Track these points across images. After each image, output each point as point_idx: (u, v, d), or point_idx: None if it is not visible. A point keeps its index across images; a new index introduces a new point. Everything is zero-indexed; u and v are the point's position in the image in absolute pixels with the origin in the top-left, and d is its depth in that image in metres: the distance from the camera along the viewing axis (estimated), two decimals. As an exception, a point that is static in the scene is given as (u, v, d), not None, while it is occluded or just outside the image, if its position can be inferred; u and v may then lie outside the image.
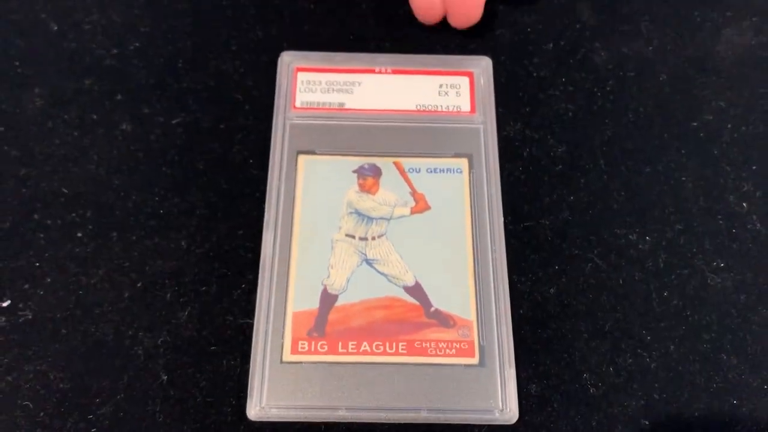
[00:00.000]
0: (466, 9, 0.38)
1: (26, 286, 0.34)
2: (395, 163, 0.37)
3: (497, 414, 0.31)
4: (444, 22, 0.41)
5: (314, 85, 0.39)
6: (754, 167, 0.38)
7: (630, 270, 0.35)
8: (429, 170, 0.36)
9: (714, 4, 0.44)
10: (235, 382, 0.32)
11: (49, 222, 0.36)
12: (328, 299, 0.33)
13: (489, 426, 0.31)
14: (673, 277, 0.35)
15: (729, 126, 0.40)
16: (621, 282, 0.35)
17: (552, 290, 0.35)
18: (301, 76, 0.39)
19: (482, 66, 0.40)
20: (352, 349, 0.32)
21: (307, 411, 0.31)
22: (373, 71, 0.39)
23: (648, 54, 0.42)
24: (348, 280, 0.34)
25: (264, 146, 0.37)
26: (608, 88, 0.40)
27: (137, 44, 0.41)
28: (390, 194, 0.36)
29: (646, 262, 0.35)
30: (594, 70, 0.41)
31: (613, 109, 0.40)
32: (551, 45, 0.42)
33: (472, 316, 0.33)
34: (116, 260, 0.35)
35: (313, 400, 0.31)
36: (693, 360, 0.33)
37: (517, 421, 0.31)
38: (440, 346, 0.32)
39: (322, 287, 0.33)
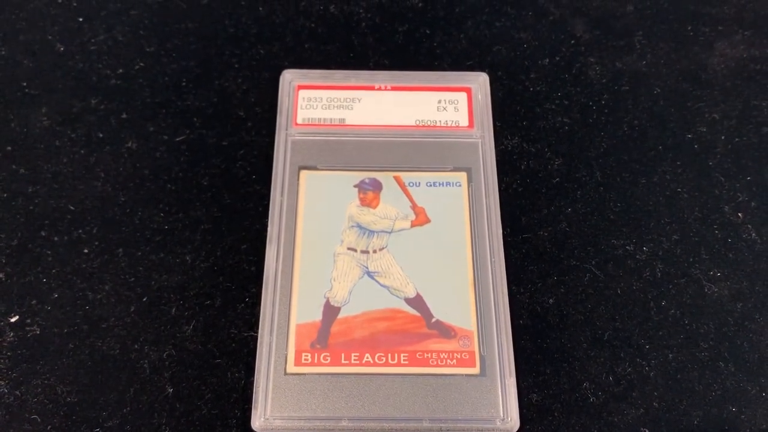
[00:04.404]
0: None
1: (34, 301, 0.35)
2: (395, 178, 0.37)
3: (498, 423, 0.31)
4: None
5: (315, 102, 0.39)
6: (748, 178, 0.39)
7: (627, 280, 0.36)
8: (428, 184, 0.37)
9: (706, 18, 0.45)
10: (240, 394, 0.33)
11: (56, 238, 0.36)
12: (330, 311, 0.34)
13: (490, 435, 0.32)
14: (670, 286, 0.36)
15: (723, 137, 0.40)
16: (619, 292, 0.35)
17: (551, 300, 0.35)
18: (302, 94, 0.40)
19: (480, 81, 0.40)
20: (354, 360, 0.32)
21: (311, 422, 0.31)
22: (372, 88, 0.40)
23: (642, 68, 0.42)
24: (350, 293, 0.34)
25: (266, 162, 0.38)
26: (603, 102, 0.41)
27: (142, 64, 0.42)
28: (390, 208, 0.36)
29: (644, 271, 0.36)
30: (589, 85, 0.42)
31: (608, 122, 0.41)
32: (547, 60, 0.43)
33: (473, 327, 0.33)
34: (122, 275, 0.35)
35: (317, 411, 0.31)
36: (691, 368, 0.34)
37: (518, 430, 0.31)
38: (441, 356, 0.32)
39: (324, 300, 0.34)
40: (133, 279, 0.35)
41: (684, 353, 0.34)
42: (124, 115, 0.40)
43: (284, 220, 0.36)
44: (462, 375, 0.32)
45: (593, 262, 0.36)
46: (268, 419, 0.31)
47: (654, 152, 0.40)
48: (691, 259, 0.36)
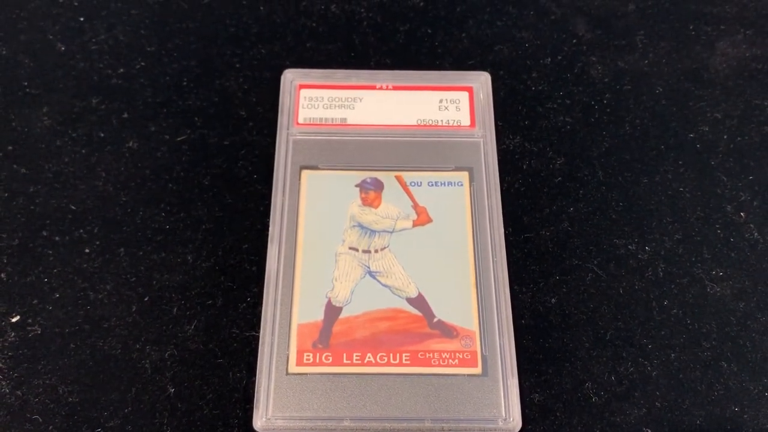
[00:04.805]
0: None
1: (35, 301, 0.35)
2: (397, 177, 0.37)
3: (500, 423, 0.31)
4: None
5: (316, 102, 0.39)
6: (750, 177, 0.39)
7: (630, 279, 0.36)
8: (430, 183, 0.37)
9: (708, 17, 0.44)
10: (242, 394, 0.33)
11: (57, 238, 0.36)
12: (332, 311, 0.34)
13: (492, 435, 0.32)
14: (672, 286, 0.36)
15: (725, 137, 0.40)
16: (621, 291, 0.35)
17: (553, 300, 0.35)
18: (304, 93, 0.40)
19: (481, 81, 0.40)
20: (356, 360, 0.32)
21: (313, 422, 0.31)
22: (374, 87, 0.40)
23: (644, 67, 0.42)
24: (352, 293, 0.34)
25: (268, 162, 0.38)
26: (605, 101, 0.41)
27: (143, 63, 0.42)
28: (392, 207, 0.36)
29: (646, 271, 0.36)
30: (591, 84, 0.42)
31: (610, 121, 0.40)
32: (549, 60, 0.43)
33: (475, 327, 0.33)
34: (123, 275, 0.35)
35: (318, 411, 0.31)
36: (693, 368, 0.34)
37: (520, 430, 0.31)
38: (443, 356, 0.32)
39: (326, 299, 0.34)
40: (134, 279, 0.35)
41: (686, 353, 0.34)
42: (125, 115, 0.40)
43: (286, 219, 0.36)
44: (464, 375, 0.32)
45: (595, 262, 0.36)
46: (269, 419, 0.31)
47: (656, 152, 0.40)
48: (693, 259, 0.36)
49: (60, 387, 0.33)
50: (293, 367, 0.32)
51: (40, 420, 0.32)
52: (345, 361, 0.32)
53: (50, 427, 0.32)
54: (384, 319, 0.33)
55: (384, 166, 0.37)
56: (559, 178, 0.39)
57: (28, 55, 0.42)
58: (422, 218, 0.36)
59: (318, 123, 0.39)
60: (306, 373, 0.32)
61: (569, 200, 0.38)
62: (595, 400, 0.33)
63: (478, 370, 0.32)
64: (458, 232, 0.36)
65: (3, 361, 0.33)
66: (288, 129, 0.38)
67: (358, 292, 0.34)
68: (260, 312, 0.33)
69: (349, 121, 0.39)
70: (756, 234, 0.37)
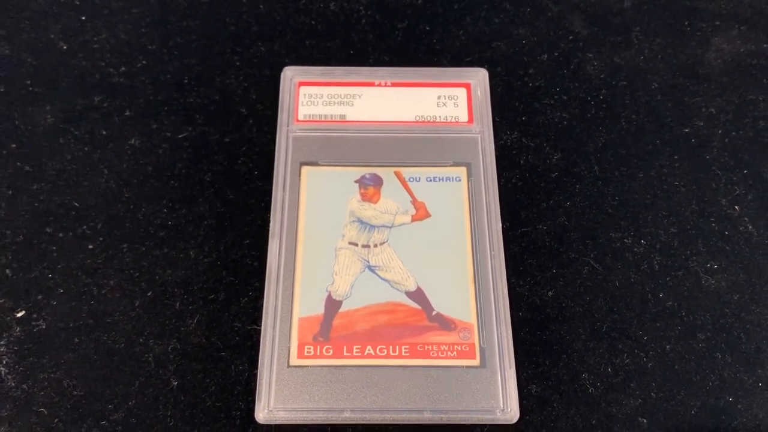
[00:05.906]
0: None
1: (40, 296, 0.35)
2: (396, 173, 0.38)
3: (498, 414, 0.32)
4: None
5: (316, 99, 0.40)
6: (745, 171, 0.39)
7: (626, 272, 0.36)
8: (429, 179, 0.37)
9: (703, 13, 0.45)
10: (244, 387, 0.33)
11: (61, 234, 0.37)
12: (332, 305, 0.34)
13: (491, 425, 0.32)
14: (668, 278, 0.36)
15: (720, 131, 0.41)
16: (617, 284, 0.36)
17: (550, 293, 0.36)
18: (303, 90, 0.40)
19: (479, 77, 0.41)
20: (356, 352, 0.33)
21: (314, 413, 0.32)
22: (372, 84, 0.40)
23: (640, 63, 0.43)
24: (352, 287, 0.34)
25: (268, 158, 0.38)
26: (601, 97, 0.42)
27: (145, 62, 0.42)
28: (391, 203, 0.37)
29: (642, 264, 0.36)
30: (587, 80, 0.42)
31: (606, 116, 0.41)
32: (545, 56, 0.43)
33: (473, 319, 0.34)
34: (127, 270, 0.36)
35: (320, 403, 0.32)
36: (688, 359, 0.34)
37: (518, 421, 0.32)
38: (442, 348, 0.33)
39: (326, 293, 0.34)
40: (137, 274, 0.36)
41: (681, 344, 0.34)
42: (127, 113, 0.40)
43: (286, 215, 0.36)
44: (462, 366, 0.32)
45: (592, 255, 0.37)
46: (271, 411, 0.32)
47: (651, 146, 0.40)
48: (688, 252, 0.37)
49: (65, 381, 0.33)
50: (294, 360, 0.33)
51: (46, 413, 0.32)
52: (345, 353, 0.33)
53: (56, 420, 0.32)
54: (383, 312, 0.34)
55: (383, 162, 0.38)
56: (556, 173, 0.39)
57: (30, 54, 0.42)
58: (421, 213, 0.36)
59: (317, 120, 0.39)
60: (307, 366, 0.32)
61: (566, 195, 0.38)
62: (592, 390, 0.33)
63: (476, 361, 0.33)
64: (456, 226, 0.36)
65: (9, 355, 0.34)
66: (288, 126, 0.39)
67: (357, 286, 0.34)
68: (261, 306, 0.34)
69: (348, 118, 0.39)
70: (750, 227, 0.38)
